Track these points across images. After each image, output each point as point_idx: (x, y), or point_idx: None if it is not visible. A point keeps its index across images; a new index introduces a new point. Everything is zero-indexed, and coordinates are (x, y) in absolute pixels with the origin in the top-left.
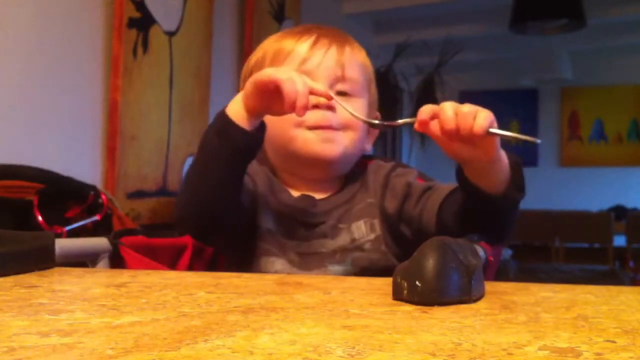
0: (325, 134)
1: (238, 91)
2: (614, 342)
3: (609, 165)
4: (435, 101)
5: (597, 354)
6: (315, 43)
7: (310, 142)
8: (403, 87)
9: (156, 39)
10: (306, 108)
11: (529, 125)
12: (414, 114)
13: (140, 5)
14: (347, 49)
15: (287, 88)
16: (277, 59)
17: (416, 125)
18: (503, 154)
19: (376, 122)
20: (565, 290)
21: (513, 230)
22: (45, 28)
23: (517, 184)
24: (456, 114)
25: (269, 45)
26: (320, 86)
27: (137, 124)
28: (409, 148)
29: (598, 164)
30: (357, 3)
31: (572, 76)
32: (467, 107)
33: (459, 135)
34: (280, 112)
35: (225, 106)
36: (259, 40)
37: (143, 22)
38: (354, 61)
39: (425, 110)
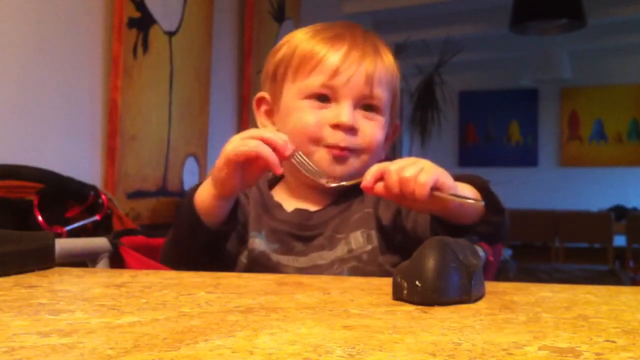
0: (340, 154)
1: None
2: (614, 342)
3: (609, 165)
4: (435, 101)
5: (597, 354)
6: (347, 55)
7: (324, 160)
8: (403, 87)
9: (156, 39)
10: (288, 148)
11: (529, 125)
12: (414, 114)
13: (140, 5)
14: (379, 64)
15: (264, 154)
16: (308, 64)
17: (362, 187)
18: (464, 185)
19: (331, 184)
20: (565, 290)
21: (508, 233)
22: (45, 28)
23: (493, 208)
24: (399, 180)
25: (300, 41)
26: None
27: (137, 124)
28: (409, 148)
29: (598, 164)
30: (357, 3)
31: (572, 76)
32: (410, 171)
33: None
34: (255, 180)
35: (194, 190)
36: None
37: (143, 22)
38: (383, 77)
39: (372, 172)
